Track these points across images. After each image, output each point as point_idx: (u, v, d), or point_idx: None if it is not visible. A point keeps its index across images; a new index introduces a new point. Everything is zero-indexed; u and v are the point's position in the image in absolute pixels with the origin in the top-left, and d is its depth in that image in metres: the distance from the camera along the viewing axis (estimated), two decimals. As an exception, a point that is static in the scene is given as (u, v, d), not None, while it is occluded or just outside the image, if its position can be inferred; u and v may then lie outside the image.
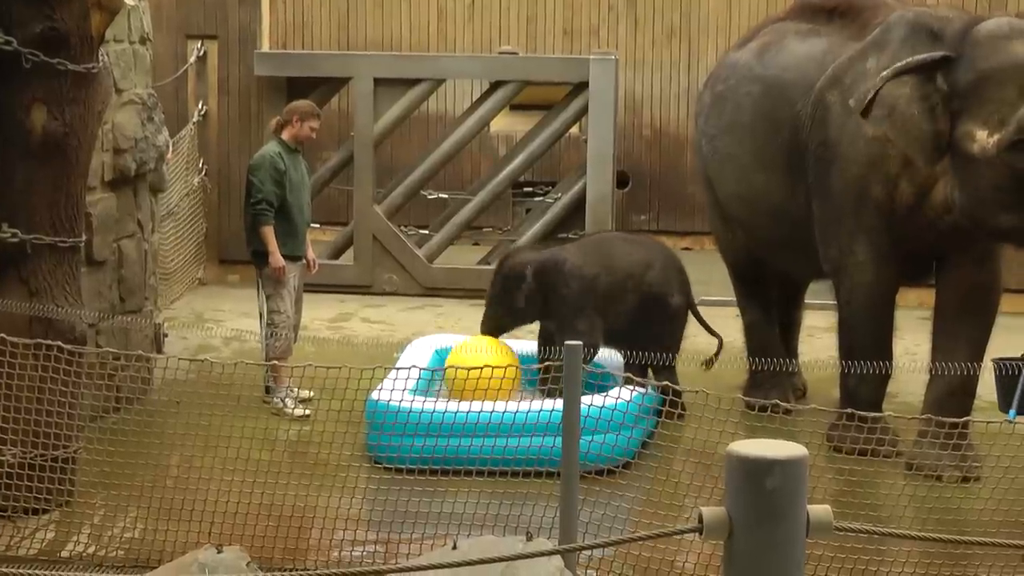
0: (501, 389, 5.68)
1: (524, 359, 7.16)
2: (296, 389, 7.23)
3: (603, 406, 5.67)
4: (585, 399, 5.47)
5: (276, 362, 7.11)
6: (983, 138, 6.13)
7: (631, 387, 5.90)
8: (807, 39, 7.18)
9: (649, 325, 7.14)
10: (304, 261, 7.69)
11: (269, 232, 7.42)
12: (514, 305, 7.21)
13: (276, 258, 7.39)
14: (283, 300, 7.45)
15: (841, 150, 6.71)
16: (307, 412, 7.04)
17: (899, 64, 6.31)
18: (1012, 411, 5.72)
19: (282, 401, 7.25)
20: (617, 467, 5.71)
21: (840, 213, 6.79)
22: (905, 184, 6.57)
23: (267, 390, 7.33)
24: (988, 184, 6.15)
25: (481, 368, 5.57)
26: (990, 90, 6.14)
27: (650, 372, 7.05)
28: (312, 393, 6.83)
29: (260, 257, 7.48)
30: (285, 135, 7.57)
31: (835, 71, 6.78)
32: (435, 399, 6.29)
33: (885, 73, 6.31)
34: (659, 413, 6.41)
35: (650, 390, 6.56)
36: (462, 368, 5.82)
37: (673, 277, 7.36)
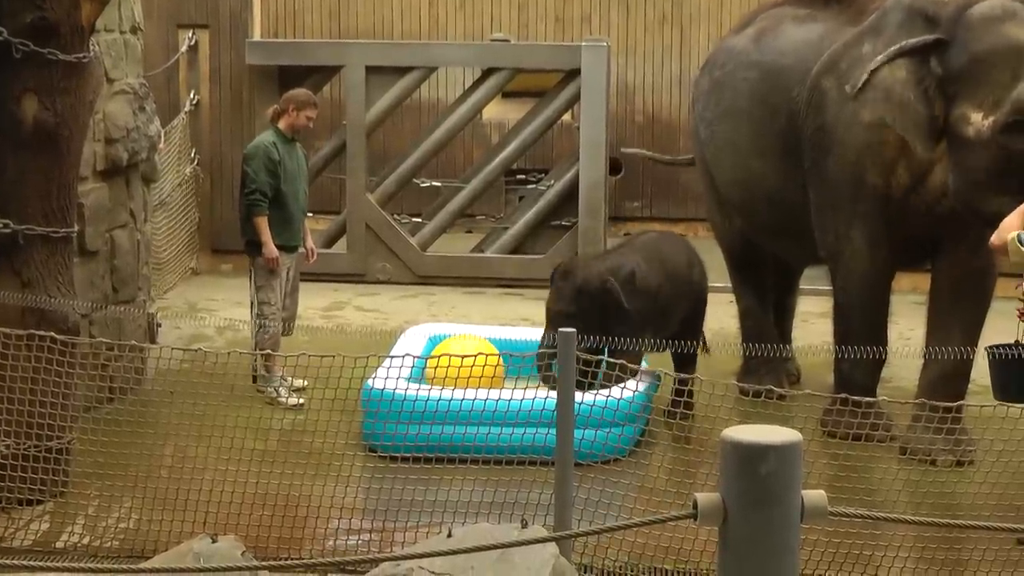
0: (484, 378, 5.65)
1: (515, 347, 7.17)
2: (290, 379, 7.22)
3: (594, 400, 5.68)
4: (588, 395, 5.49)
5: (269, 352, 7.10)
6: (978, 121, 6.12)
7: (629, 377, 5.89)
8: (804, 24, 7.17)
9: (691, 321, 7.05)
10: (301, 251, 7.67)
11: (263, 223, 7.39)
12: (594, 320, 6.52)
13: (269, 248, 7.37)
14: (273, 291, 7.43)
15: (837, 136, 6.71)
16: (301, 401, 7.04)
17: (892, 48, 6.31)
18: None
19: (275, 391, 7.24)
20: (613, 458, 5.73)
21: (836, 199, 6.78)
22: (902, 170, 6.57)
23: (254, 379, 7.28)
24: (983, 167, 6.15)
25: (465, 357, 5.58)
26: (984, 72, 6.13)
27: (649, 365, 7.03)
28: (305, 382, 6.83)
29: (254, 247, 7.46)
30: (281, 124, 7.53)
31: (831, 56, 6.77)
32: (430, 387, 6.28)
33: (880, 57, 6.31)
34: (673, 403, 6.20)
35: (648, 380, 6.54)
36: (451, 356, 5.80)
37: (703, 272, 7.25)
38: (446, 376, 5.80)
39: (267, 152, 7.40)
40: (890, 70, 6.30)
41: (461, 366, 5.47)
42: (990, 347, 5.92)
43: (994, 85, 6.10)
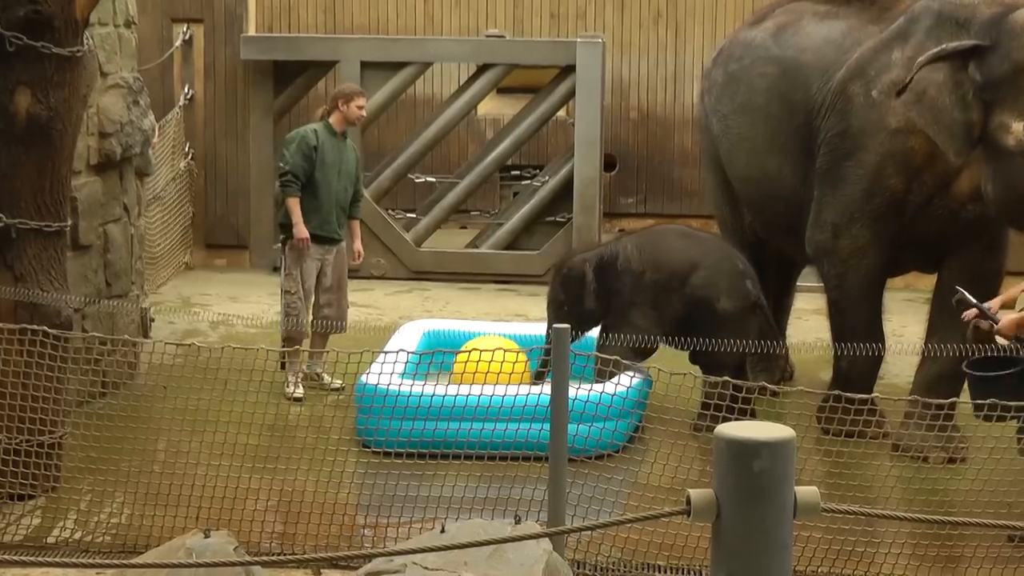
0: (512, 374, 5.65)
1: (531, 341, 7.16)
2: (328, 377, 7.25)
3: (589, 393, 5.67)
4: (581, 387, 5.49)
5: (284, 347, 7.11)
6: (1019, 130, 6.08)
7: (621, 373, 5.88)
8: (825, 21, 7.11)
9: (692, 325, 6.75)
10: (334, 245, 7.55)
11: (293, 203, 7.43)
12: (579, 307, 6.90)
13: (299, 228, 7.38)
14: (295, 281, 7.42)
15: (862, 142, 6.64)
16: (301, 395, 7.09)
17: (932, 52, 6.25)
18: None
19: (285, 379, 7.23)
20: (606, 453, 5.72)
21: (845, 198, 6.73)
22: (927, 177, 6.52)
23: (282, 366, 7.21)
24: (1023, 176, 6.12)
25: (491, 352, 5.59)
26: None
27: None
28: (342, 382, 6.85)
29: (286, 230, 7.50)
30: (333, 119, 7.55)
31: (859, 62, 6.70)
32: (424, 382, 6.28)
33: (921, 59, 6.25)
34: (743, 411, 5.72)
35: (640, 375, 6.53)
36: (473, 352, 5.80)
37: (710, 279, 6.96)
38: (475, 372, 5.76)
39: (304, 137, 7.47)
40: (927, 73, 6.25)
41: (491, 361, 5.47)
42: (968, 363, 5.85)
43: None
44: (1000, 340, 5.73)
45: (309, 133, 7.49)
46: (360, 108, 7.60)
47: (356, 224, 7.80)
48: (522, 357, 6.17)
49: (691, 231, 7.53)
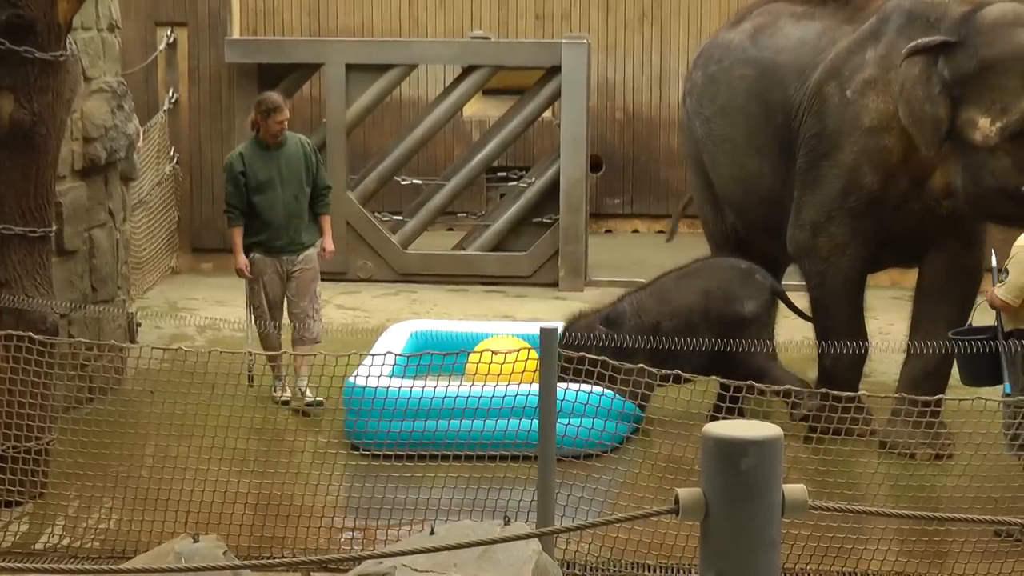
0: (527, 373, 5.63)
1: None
2: (307, 391, 7.19)
3: (579, 391, 5.68)
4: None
5: (264, 353, 7.08)
6: (985, 126, 6.15)
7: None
8: (801, 22, 7.16)
9: (731, 337, 6.60)
10: (294, 255, 7.41)
11: (232, 234, 7.45)
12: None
13: (235, 259, 7.40)
14: (256, 296, 7.41)
15: (838, 141, 6.69)
16: (288, 397, 7.05)
17: (909, 45, 6.30)
18: (1007, 385, 5.75)
19: (272, 386, 7.23)
20: (596, 452, 5.72)
21: (823, 196, 6.77)
22: (902, 174, 6.57)
23: (250, 380, 7.19)
24: (991, 171, 6.17)
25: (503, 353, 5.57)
26: (993, 78, 6.15)
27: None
28: (320, 398, 6.80)
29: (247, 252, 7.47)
30: (261, 132, 7.48)
31: (833, 62, 6.75)
32: (412, 382, 6.27)
33: (903, 51, 6.32)
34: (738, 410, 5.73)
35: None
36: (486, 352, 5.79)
37: (737, 287, 7.06)
38: (487, 373, 5.74)
39: (229, 166, 7.43)
40: (906, 66, 6.32)
41: (504, 363, 5.46)
42: (954, 333, 5.97)
43: (1003, 91, 6.13)
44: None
45: (234, 160, 7.42)
46: (279, 123, 7.40)
47: (326, 220, 7.61)
48: (534, 355, 6.13)
49: (681, 270, 7.40)
